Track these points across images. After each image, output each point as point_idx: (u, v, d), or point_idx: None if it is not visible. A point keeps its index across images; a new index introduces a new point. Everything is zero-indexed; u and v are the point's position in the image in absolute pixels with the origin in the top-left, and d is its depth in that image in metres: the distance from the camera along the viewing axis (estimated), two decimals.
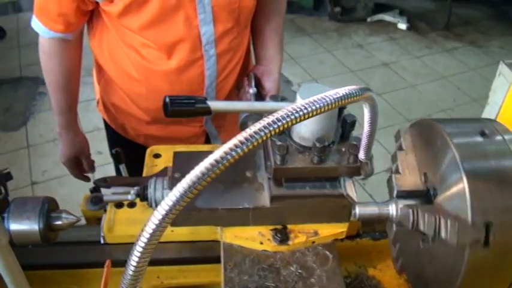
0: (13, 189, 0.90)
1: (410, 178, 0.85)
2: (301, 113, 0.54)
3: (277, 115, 0.53)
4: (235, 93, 1.53)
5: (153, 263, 1.12)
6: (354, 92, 0.55)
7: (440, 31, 5.11)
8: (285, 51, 4.44)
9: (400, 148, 0.90)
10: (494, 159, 0.77)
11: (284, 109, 0.53)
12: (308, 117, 0.54)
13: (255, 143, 0.52)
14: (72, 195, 2.99)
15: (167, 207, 0.50)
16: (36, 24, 1.34)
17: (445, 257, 0.76)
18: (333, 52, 4.63)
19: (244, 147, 0.51)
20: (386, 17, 5.18)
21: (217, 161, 0.52)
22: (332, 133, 0.93)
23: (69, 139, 1.60)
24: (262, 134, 0.52)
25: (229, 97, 1.53)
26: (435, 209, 0.78)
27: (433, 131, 0.83)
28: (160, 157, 1.27)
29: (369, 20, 5.15)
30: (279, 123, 0.53)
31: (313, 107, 0.54)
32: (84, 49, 1.48)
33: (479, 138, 0.81)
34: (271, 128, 0.52)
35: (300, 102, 0.55)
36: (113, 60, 1.42)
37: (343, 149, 0.93)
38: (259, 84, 1.45)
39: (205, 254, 1.09)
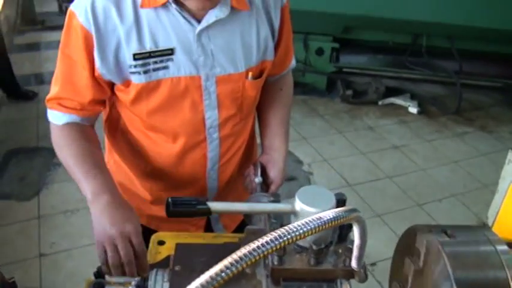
0: (21, 261, 0.93)
1: None
2: (293, 234, 0.57)
3: (270, 236, 0.56)
4: (237, 179, 1.57)
5: None
6: (341, 214, 0.59)
7: (451, 115, 5.19)
8: (296, 131, 4.53)
9: None
10: (486, 270, 0.79)
11: (277, 231, 0.56)
12: (299, 239, 0.57)
13: (251, 262, 0.55)
14: (79, 269, 2.99)
15: None
16: (50, 113, 1.38)
17: None
18: (344, 133, 4.71)
19: (239, 265, 0.54)
20: (398, 101, 5.30)
21: (212, 278, 0.54)
22: (329, 235, 0.96)
23: (115, 206, 1.21)
24: (256, 253, 0.55)
25: (231, 179, 1.59)
26: None
27: (423, 239, 0.86)
28: (164, 244, 1.30)
29: (380, 103, 5.27)
30: (272, 244, 0.56)
31: (305, 229, 0.57)
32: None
33: (471, 248, 0.83)
34: (264, 249, 0.56)
35: (294, 224, 0.59)
36: (122, 142, 1.49)
37: (340, 251, 0.95)
38: (264, 173, 1.49)
39: None
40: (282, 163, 1.53)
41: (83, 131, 1.38)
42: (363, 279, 0.88)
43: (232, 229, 1.71)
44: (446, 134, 4.88)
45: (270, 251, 0.54)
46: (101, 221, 1.18)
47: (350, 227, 0.97)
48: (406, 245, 0.94)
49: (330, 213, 0.58)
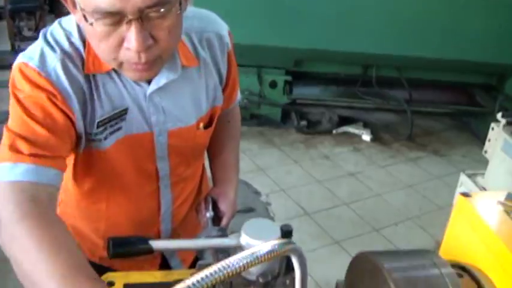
0: None
1: None
2: (232, 268, 0.58)
3: (207, 271, 0.56)
4: (191, 216, 1.57)
5: None
6: (276, 247, 0.60)
7: (404, 141, 5.34)
8: (253, 162, 4.55)
9: None
10: None
11: (213, 266, 0.56)
12: (237, 273, 0.57)
13: None
14: None
15: None
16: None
17: None
18: (300, 163, 4.76)
19: None
20: (351, 129, 5.42)
21: None
22: (276, 266, 0.96)
23: None
24: None
25: (185, 221, 1.58)
26: None
27: (371, 266, 0.87)
28: (113, 286, 1.27)
29: (334, 132, 5.37)
30: (210, 277, 0.56)
31: (242, 263, 0.58)
32: None
33: (418, 273, 0.85)
34: (203, 283, 0.55)
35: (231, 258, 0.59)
36: (78, 192, 1.46)
37: (288, 282, 0.95)
38: (215, 207, 1.50)
39: None
40: (233, 195, 1.53)
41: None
42: None
43: (189, 262, 1.69)
44: (400, 159, 5.01)
45: (210, 283, 0.54)
46: None
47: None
48: (355, 274, 0.95)
49: (264, 247, 0.59)
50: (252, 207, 3.97)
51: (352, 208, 4.12)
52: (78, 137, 1.24)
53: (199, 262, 1.12)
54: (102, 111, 1.23)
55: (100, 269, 1.28)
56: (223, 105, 1.50)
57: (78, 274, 0.88)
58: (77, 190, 1.43)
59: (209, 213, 1.47)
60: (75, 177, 1.40)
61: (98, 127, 1.24)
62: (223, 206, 1.50)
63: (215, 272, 0.54)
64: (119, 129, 1.27)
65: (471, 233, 0.97)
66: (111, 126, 1.26)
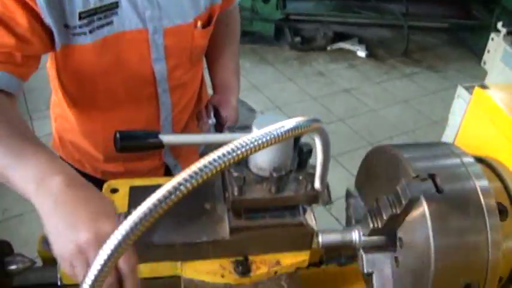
0: None
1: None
2: (252, 145, 0.54)
3: (228, 147, 0.52)
4: (193, 125, 1.52)
5: None
6: (302, 124, 0.55)
7: (399, 57, 5.25)
8: (247, 80, 4.47)
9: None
10: (454, 182, 0.79)
11: (235, 142, 0.52)
12: (258, 150, 0.53)
13: (207, 176, 0.51)
14: (33, 234, 2.89)
15: (112, 246, 0.49)
16: None
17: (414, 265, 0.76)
18: (295, 80, 4.69)
19: (193, 181, 0.50)
20: (346, 45, 5.31)
21: (167, 195, 0.50)
22: (289, 162, 0.93)
23: (75, 192, 0.83)
24: (212, 167, 0.51)
25: (185, 130, 1.53)
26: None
27: (388, 157, 0.84)
28: (117, 192, 1.24)
29: (328, 48, 5.26)
30: (229, 156, 0.52)
31: (264, 140, 0.54)
32: (43, 84, 1.42)
33: (438, 162, 0.83)
34: (220, 162, 0.52)
35: (253, 133, 0.55)
36: (70, 98, 1.40)
37: (301, 178, 0.93)
38: (217, 114, 1.45)
39: None
40: (234, 102, 1.48)
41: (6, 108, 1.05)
42: (327, 201, 0.86)
43: None
44: (395, 76, 4.95)
45: (230, 161, 0.50)
46: (57, 223, 0.79)
47: (309, 152, 0.95)
48: (370, 168, 0.92)
49: (288, 123, 0.55)
50: (247, 125, 3.93)
51: (347, 124, 4.11)
52: (50, 33, 1.13)
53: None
54: (85, 2, 1.12)
55: (103, 184, 1.25)
56: (222, 4, 1.41)
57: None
58: (70, 100, 1.37)
59: (211, 121, 1.43)
60: (64, 87, 1.34)
61: (80, 18, 1.13)
62: (225, 113, 1.45)
63: (237, 147, 0.50)
64: (108, 23, 1.17)
65: (489, 125, 0.94)
66: (99, 19, 1.15)
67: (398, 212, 0.76)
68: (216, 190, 1.04)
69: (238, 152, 0.51)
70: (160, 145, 0.82)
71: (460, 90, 3.47)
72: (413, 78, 4.91)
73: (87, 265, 0.75)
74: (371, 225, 0.80)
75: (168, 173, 1.60)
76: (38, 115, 3.53)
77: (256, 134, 0.54)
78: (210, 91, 1.62)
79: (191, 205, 1.01)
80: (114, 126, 1.37)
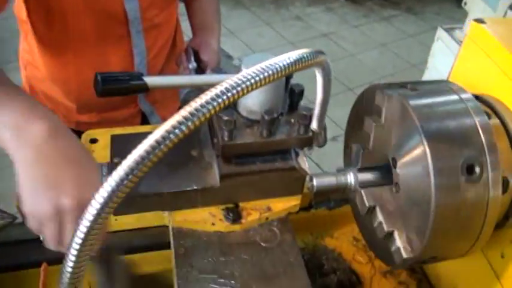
0: None
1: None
2: (252, 81, 0.48)
3: (225, 85, 0.47)
4: (168, 72, 1.45)
5: None
6: (305, 56, 0.50)
7: (377, 0, 5.15)
8: (223, 26, 4.35)
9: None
10: (453, 119, 0.76)
11: (231, 79, 0.47)
12: (259, 86, 0.49)
13: (202, 119, 0.46)
14: (11, 189, 2.81)
15: (102, 199, 0.44)
16: None
17: (411, 206, 0.73)
18: (272, 25, 4.58)
19: (190, 123, 0.46)
20: None
21: (158, 142, 0.46)
22: (280, 104, 0.89)
23: (59, 142, 0.75)
24: (210, 107, 0.46)
25: (161, 74, 1.45)
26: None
27: (384, 95, 0.80)
28: (97, 142, 1.19)
29: None
30: (229, 94, 0.47)
31: (264, 75, 0.49)
32: (12, 34, 1.32)
33: (436, 99, 0.79)
34: (219, 100, 0.47)
35: (253, 68, 0.50)
36: (40, 41, 1.31)
37: (293, 120, 0.89)
38: (197, 58, 1.38)
39: (155, 240, 1.03)
40: (215, 44, 1.42)
41: None
42: (323, 142, 0.82)
43: None
44: (373, 19, 4.86)
45: (230, 99, 0.45)
46: (36, 179, 0.71)
47: (301, 93, 0.90)
48: (364, 107, 0.88)
49: (294, 54, 0.49)
50: (225, 71, 3.85)
51: None
52: None
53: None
54: None
55: (78, 135, 1.19)
56: None
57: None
58: (40, 44, 1.28)
59: (191, 65, 1.36)
60: (34, 29, 1.24)
61: None
62: (206, 56, 1.39)
63: (246, 79, 0.45)
64: None
65: (486, 61, 0.90)
66: None
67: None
68: (202, 136, 0.99)
69: (239, 88, 0.46)
70: (144, 88, 0.76)
71: (440, 33, 3.43)
72: (391, 21, 4.84)
73: (60, 229, 0.71)
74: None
75: (145, 121, 1.53)
76: (8, 67, 3.37)
77: (257, 68, 0.49)
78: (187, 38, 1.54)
79: (177, 153, 0.96)
80: (86, 72, 1.29)
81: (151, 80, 0.77)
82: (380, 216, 0.83)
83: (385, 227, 0.81)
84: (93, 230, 0.47)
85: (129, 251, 1.05)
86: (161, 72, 1.46)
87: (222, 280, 0.87)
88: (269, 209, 0.97)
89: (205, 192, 0.91)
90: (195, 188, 0.90)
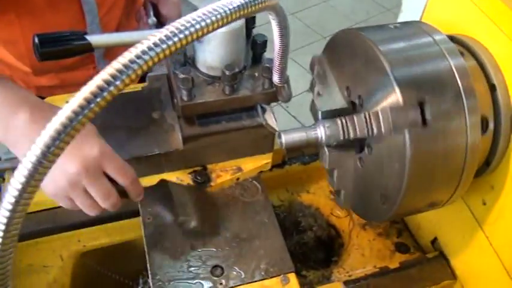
0: None
1: (332, 98, 0.77)
2: (192, 29, 0.42)
3: (165, 32, 0.41)
4: (127, 25, 1.36)
5: (70, 227, 1.01)
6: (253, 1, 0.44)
7: None
8: None
9: (316, 74, 0.80)
10: (427, 63, 0.70)
11: (173, 24, 0.41)
12: (202, 34, 0.42)
13: (121, 86, 0.40)
14: None
15: (18, 184, 0.38)
16: None
17: (387, 161, 0.69)
18: None
19: (124, 76, 0.39)
20: None
21: (76, 113, 0.39)
22: (242, 57, 0.82)
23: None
24: (146, 57, 0.40)
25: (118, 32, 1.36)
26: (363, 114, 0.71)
27: (353, 42, 0.74)
28: None
29: None
30: (169, 42, 0.41)
31: (211, 19, 0.42)
32: None
33: (408, 43, 0.74)
34: (158, 50, 0.41)
35: (196, 12, 0.44)
36: None
37: (257, 74, 0.82)
38: (157, 13, 1.30)
39: (125, 208, 0.99)
40: None
41: None
42: (288, 97, 0.77)
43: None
44: None
45: (171, 49, 0.39)
46: None
47: (265, 44, 0.84)
48: (332, 55, 0.82)
49: None
50: None
51: (298, 17, 3.94)
52: None
53: (149, 74, 0.97)
54: None
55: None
56: None
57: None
58: None
59: (151, 20, 1.28)
60: None
61: None
62: (166, 10, 1.30)
63: (185, 27, 0.39)
64: None
65: None
66: None
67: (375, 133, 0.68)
68: (163, 97, 0.93)
69: (181, 35, 0.40)
70: (89, 48, 0.69)
71: None
72: None
73: (85, 193, 0.75)
74: (341, 137, 0.71)
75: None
76: None
77: (201, 11, 0.42)
78: None
79: (137, 116, 0.90)
80: (34, 32, 1.20)
81: (96, 39, 0.69)
82: (336, 181, 0.79)
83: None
84: (18, 206, 0.40)
85: (99, 221, 1.01)
86: (119, 30, 1.36)
87: (194, 244, 0.83)
88: (239, 169, 0.93)
89: (170, 156, 0.86)
90: (158, 152, 0.85)
